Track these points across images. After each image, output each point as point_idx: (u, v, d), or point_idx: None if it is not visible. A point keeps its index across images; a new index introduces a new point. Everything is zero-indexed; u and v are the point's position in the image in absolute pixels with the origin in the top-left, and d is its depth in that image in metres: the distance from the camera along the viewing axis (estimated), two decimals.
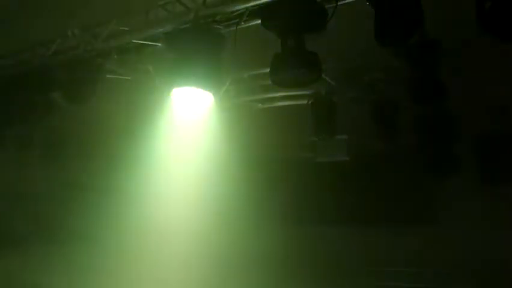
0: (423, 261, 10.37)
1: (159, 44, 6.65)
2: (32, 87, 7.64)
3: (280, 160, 11.76)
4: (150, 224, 10.64)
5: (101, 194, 10.65)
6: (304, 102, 8.85)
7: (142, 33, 6.65)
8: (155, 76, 7.59)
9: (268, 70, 6.01)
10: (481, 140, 10.19)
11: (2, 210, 9.93)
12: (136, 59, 7.37)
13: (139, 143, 8.78)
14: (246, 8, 5.90)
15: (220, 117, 8.29)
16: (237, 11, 5.99)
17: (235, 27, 6.11)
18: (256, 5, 5.78)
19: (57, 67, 7.41)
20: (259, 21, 5.89)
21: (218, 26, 6.19)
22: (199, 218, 10.68)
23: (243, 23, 6.08)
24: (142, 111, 7.99)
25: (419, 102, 7.56)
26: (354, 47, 6.99)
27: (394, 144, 9.16)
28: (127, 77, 7.84)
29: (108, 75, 7.60)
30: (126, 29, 6.71)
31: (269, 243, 11.48)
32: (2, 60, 7.68)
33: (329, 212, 11.49)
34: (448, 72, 6.91)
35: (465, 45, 6.88)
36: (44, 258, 10.10)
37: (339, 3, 5.59)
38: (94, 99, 7.38)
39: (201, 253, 10.94)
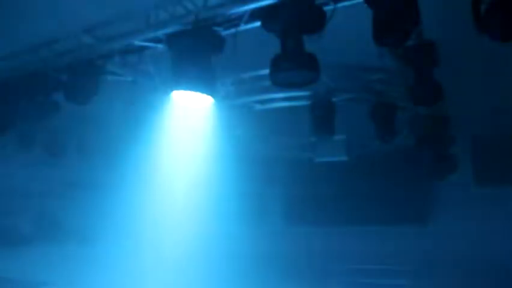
0: (421, 259, 10.44)
1: (160, 46, 6.73)
2: (35, 88, 7.72)
3: (279, 160, 11.82)
4: (150, 222, 10.70)
5: (101, 193, 10.72)
6: (304, 103, 8.91)
7: (143, 34, 6.72)
8: (156, 76, 7.65)
9: (268, 71, 6.08)
10: (477, 140, 10.27)
11: (4, 209, 9.99)
12: (137, 61, 7.43)
13: (139, 143, 8.85)
14: (246, 10, 5.99)
15: (221, 118, 8.35)
16: (237, 13, 6.08)
17: (235, 29, 6.19)
18: (256, 7, 5.86)
19: (60, 68, 7.49)
20: (259, 23, 5.97)
21: (218, 28, 6.27)
22: (199, 217, 10.74)
23: (242, 24, 6.17)
24: (143, 111, 8.05)
25: (416, 103, 7.63)
26: (353, 48, 7.05)
27: (392, 145, 9.22)
28: (128, 78, 7.90)
29: (109, 76, 7.67)
30: (127, 30, 6.78)
31: (269, 243, 11.54)
32: (4, 62, 7.73)
33: (328, 211, 11.56)
34: (445, 73, 6.97)
35: (461, 47, 6.94)
36: (45, 256, 10.16)
37: (337, 4, 5.67)
38: (95, 99, 7.45)
39: (200, 252, 10.99)
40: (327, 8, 5.70)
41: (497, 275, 9.31)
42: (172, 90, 6.67)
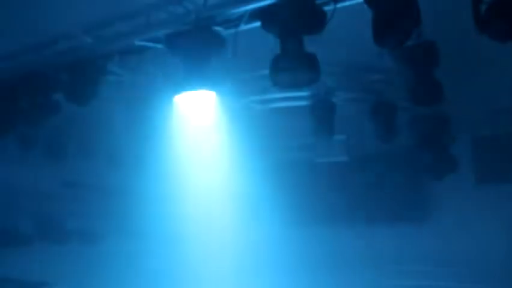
0: (421, 259, 10.44)
1: (160, 46, 6.73)
2: (35, 88, 7.72)
3: (279, 161, 11.81)
4: (151, 223, 10.70)
5: (102, 194, 10.73)
6: (304, 103, 8.92)
7: (143, 34, 6.73)
8: (156, 76, 7.67)
9: (268, 71, 6.08)
10: (479, 140, 10.27)
11: (5, 209, 10.00)
12: (138, 60, 7.44)
13: (140, 144, 8.86)
14: (246, 10, 5.99)
15: (220, 118, 8.35)
16: (237, 13, 6.08)
17: (235, 29, 6.20)
18: (256, 7, 5.87)
19: (60, 68, 7.49)
20: (259, 23, 5.98)
21: (218, 28, 6.27)
22: (199, 217, 10.73)
23: (242, 24, 6.18)
24: (144, 111, 8.06)
25: (416, 103, 7.63)
26: (353, 48, 7.06)
27: (392, 145, 9.23)
28: (128, 78, 7.90)
29: (109, 76, 7.67)
30: (128, 30, 6.79)
31: (269, 244, 11.53)
32: (5, 62, 7.74)
33: (328, 211, 11.56)
34: (445, 73, 6.98)
35: (461, 47, 6.95)
36: (45, 257, 10.16)
37: (337, 5, 5.67)
38: (95, 100, 7.45)
39: (200, 252, 10.99)
40: (327, 8, 5.70)
41: (497, 275, 9.30)
42: (174, 92, 6.68)
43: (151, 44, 6.83)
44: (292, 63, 5.83)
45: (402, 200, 11.13)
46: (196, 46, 6.21)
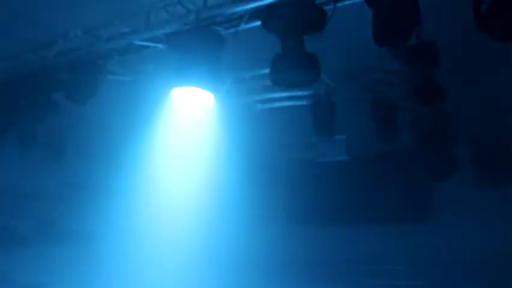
0: (422, 260, 10.44)
1: (160, 46, 6.73)
2: (35, 88, 7.72)
3: (280, 160, 11.82)
4: (150, 223, 10.69)
5: (102, 194, 10.72)
6: (304, 102, 8.91)
7: (143, 34, 6.73)
8: (156, 76, 7.66)
9: (268, 71, 6.08)
10: (479, 140, 10.26)
11: (4, 209, 9.99)
12: (137, 60, 7.44)
13: (140, 143, 8.85)
14: (246, 10, 5.99)
15: (221, 118, 8.35)
16: (237, 12, 6.08)
17: (235, 29, 6.20)
18: (256, 6, 5.86)
19: (60, 68, 7.49)
20: (260, 23, 5.97)
21: (218, 28, 6.27)
22: (200, 217, 10.73)
23: (242, 24, 6.18)
24: (143, 111, 8.05)
25: (417, 103, 7.62)
26: (353, 47, 7.05)
27: (393, 145, 9.21)
28: (128, 78, 7.90)
29: (109, 76, 7.67)
30: (127, 30, 6.79)
31: (269, 243, 11.54)
32: (4, 62, 7.74)
33: (329, 211, 11.56)
34: (446, 73, 6.97)
35: (463, 46, 6.95)
36: (45, 257, 10.16)
37: (338, 4, 5.67)
38: (95, 99, 7.45)
39: (202, 253, 10.99)
40: (327, 8, 5.70)
41: (497, 275, 9.30)
42: (172, 86, 6.68)
43: (151, 44, 6.84)
44: (293, 62, 5.83)
45: (402, 200, 11.13)
46: (196, 46, 6.20)
